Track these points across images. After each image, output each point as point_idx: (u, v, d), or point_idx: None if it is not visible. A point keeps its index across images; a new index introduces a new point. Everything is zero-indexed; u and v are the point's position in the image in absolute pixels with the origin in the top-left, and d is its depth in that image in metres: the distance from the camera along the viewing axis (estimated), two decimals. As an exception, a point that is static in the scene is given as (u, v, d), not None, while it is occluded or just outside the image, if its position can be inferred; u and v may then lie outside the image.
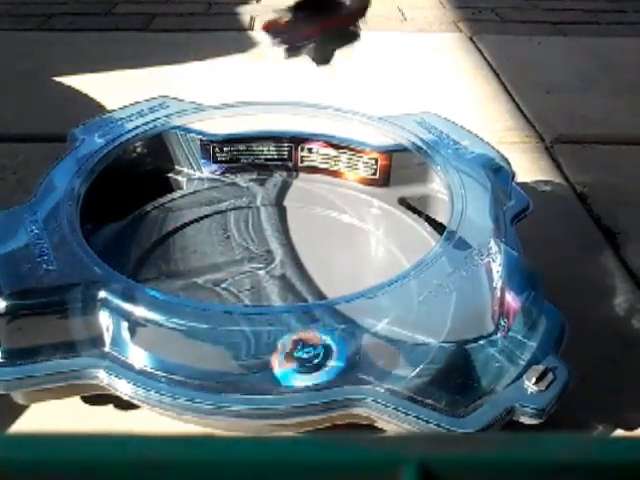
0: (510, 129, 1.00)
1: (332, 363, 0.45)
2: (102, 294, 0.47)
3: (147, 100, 0.72)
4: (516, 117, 1.04)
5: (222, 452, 0.17)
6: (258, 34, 1.39)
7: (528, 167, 0.89)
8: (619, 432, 0.52)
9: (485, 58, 1.28)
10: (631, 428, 0.53)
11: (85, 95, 1.07)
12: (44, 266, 0.48)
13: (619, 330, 0.62)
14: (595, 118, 1.04)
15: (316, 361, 0.45)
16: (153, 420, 0.49)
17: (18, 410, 0.52)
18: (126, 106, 0.71)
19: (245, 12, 1.54)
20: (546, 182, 0.86)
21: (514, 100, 1.10)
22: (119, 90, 1.05)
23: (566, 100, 1.11)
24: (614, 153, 0.94)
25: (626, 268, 0.70)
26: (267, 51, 1.29)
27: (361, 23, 0.54)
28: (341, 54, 0.56)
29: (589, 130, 1.01)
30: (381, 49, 1.33)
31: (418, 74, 1.21)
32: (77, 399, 0.52)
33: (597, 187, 0.85)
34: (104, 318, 0.47)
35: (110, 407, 0.52)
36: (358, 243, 0.68)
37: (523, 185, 0.79)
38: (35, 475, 0.17)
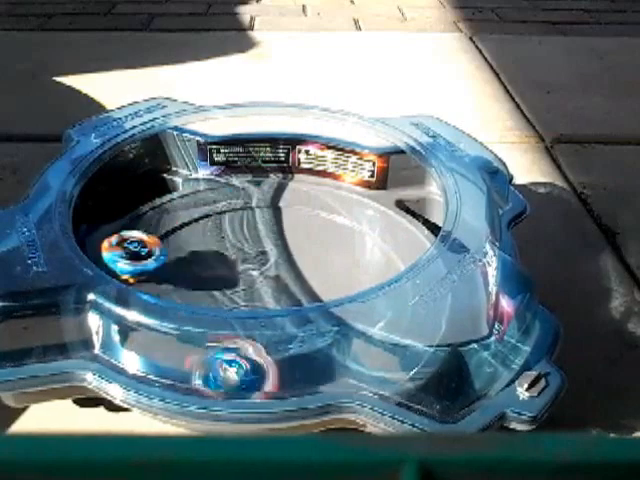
0: (510, 129, 1.00)
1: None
2: (92, 296, 0.47)
3: (143, 101, 0.72)
4: (516, 117, 1.04)
5: (221, 452, 0.17)
6: (258, 34, 1.39)
7: (528, 167, 0.89)
8: (619, 432, 0.52)
9: (485, 58, 1.28)
10: (631, 428, 0.53)
11: (85, 95, 1.07)
12: (34, 268, 0.48)
13: (619, 330, 0.62)
14: (595, 118, 1.04)
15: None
16: (146, 422, 0.49)
17: (15, 411, 0.52)
18: (122, 107, 0.71)
19: (245, 12, 1.54)
20: (546, 182, 0.86)
21: (514, 100, 1.10)
22: (119, 90, 1.05)
23: (566, 100, 1.11)
24: (614, 153, 0.94)
25: (626, 268, 0.70)
26: (267, 51, 1.29)
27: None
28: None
29: (589, 130, 1.01)
30: (381, 49, 1.33)
31: (418, 74, 1.21)
32: (69, 401, 0.52)
33: (597, 187, 0.85)
34: (94, 321, 0.47)
35: (101, 409, 0.52)
36: (354, 245, 0.67)
37: (523, 185, 0.79)
38: (35, 475, 0.17)
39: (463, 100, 1.10)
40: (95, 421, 0.51)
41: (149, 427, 0.49)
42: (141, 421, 0.50)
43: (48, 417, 0.52)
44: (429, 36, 1.42)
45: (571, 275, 0.69)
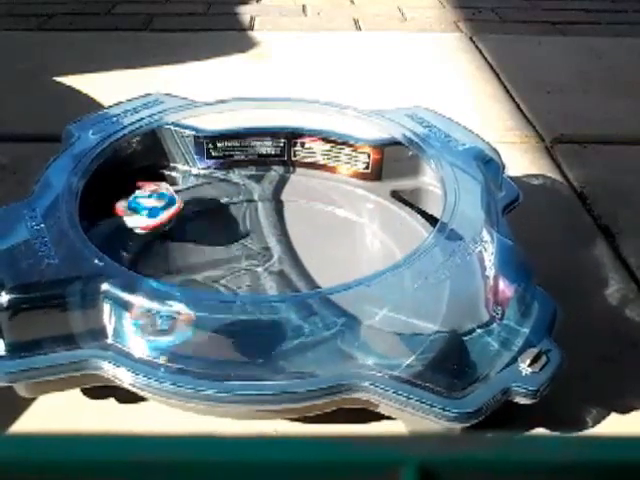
0: (510, 129, 1.00)
1: None
2: (104, 286, 0.47)
3: (141, 97, 0.72)
4: (516, 117, 1.04)
5: (222, 452, 0.17)
6: (258, 34, 1.39)
7: (528, 167, 0.89)
8: (618, 430, 0.52)
9: (485, 58, 1.28)
10: (630, 427, 0.53)
11: (85, 95, 1.06)
12: (45, 260, 0.49)
13: (618, 329, 0.62)
14: (595, 118, 1.04)
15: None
16: (146, 422, 0.49)
17: (16, 410, 0.52)
18: (120, 102, 0.71)
19: (245, 12, 1.54)
20: (546, 182, 0.86)
21: (514, 100, 1.10)
22: (119, 90, 1.05)
23: (566, 100, 1.11)
24: (614, 153, 0.94)
25: (625, 267, 0.70)
26: (267, 51, 1.29)
27: None
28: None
29: (589, 130, 1.01)
30: (381, 49, 1.33)
31: (418, 74, 1.21)
32: (78, 396, 0.52)
33: (597, 187, 0.85)
34: (107, 310, 0.48)
35: (102, 409, 0.52)
36: (354, 237, 0.68)
37: (523, 185, 0.79)
38: (35, 475, 0.17)
39: (463, 100, 1.10)
40: (96, 421, 0.52)
41: (150, 427, 0.49)
42: (142, 420, 0.50)
43: (49, 416, 0.52)
44: (429, 36, 1.42)
45: (570, 274, 0.69)
